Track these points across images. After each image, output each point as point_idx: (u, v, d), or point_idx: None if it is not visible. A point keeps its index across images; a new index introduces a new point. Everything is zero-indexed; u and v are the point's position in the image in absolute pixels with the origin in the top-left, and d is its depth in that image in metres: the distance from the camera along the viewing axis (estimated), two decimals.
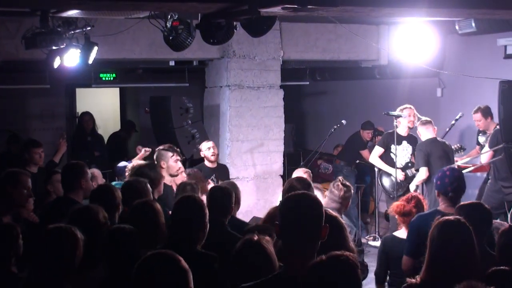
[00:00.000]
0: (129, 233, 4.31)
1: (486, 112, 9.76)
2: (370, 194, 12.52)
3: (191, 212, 4.56)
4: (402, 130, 9.93)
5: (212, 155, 9.02)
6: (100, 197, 5.50)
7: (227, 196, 5.74)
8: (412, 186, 9.46)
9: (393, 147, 9.91)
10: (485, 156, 9.22)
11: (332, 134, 10.78)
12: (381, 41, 11.29)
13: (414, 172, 9.72)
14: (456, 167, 9.39)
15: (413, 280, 4.08)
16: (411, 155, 9.93)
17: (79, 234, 4.12)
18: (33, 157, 8.60)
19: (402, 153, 9.96)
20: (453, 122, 10.36)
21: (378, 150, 10.23)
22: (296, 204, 3.47)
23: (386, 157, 10.07)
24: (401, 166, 9.93)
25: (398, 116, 9.70)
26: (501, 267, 4.17)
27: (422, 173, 9.16)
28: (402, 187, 9.83)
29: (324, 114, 14.91)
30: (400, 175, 9.82)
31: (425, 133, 9.40)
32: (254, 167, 10.55)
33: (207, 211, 4.66)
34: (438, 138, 9.51)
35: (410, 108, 9.83)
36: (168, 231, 4.70)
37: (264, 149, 10.62)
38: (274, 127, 10.71)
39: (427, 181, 9.19)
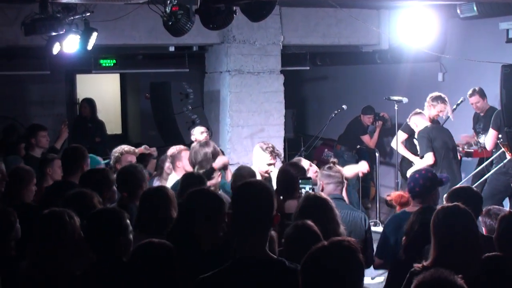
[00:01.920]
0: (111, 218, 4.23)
1: (482, 93, 9.75)
2: (371, 179, 12.49)
3: (197, 204, 4.42)
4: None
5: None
6: (90, 180, 5.49)
7: None
8: (409, 173, 9.25)
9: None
10: (490, 139, 9.10)
11: (333, 119, 10.76)
12: (382, 26, 11.24)
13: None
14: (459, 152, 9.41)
15: (420, 265, 4.12)
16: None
17: (75, 217, 4.12)
18: (40, 140, 8.67)
19: None
20: (454, 106, 10.31)
21: (401, 135, 9.93)
22: (247, 194, 3.53)
23: (410, 144, 9.93)
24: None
25: (398, 101, 9.65)
26: (495, 253, 4.19)
27: (428, 159, 8.99)
28: None
29: (324, 99, 14.88)
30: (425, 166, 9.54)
31: (422, 122, 9.30)
32: None
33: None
34: (438, 125, 9.47)
35: (443, 103, 9.35)
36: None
37: (264, 135, 10.59)
38: (274, 112, 10.69)
39: (432, 166, 9.07)
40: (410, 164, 9.86)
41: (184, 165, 7.11)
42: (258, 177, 6.82)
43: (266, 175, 7.28)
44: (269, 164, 7.28)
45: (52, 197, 5.76)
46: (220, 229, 4.18)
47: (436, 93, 9.40)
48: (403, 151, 10.00)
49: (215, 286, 3.42)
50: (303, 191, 4.96)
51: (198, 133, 8.92)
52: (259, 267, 3.37)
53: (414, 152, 9.65)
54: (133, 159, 7.29)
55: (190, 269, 3.68)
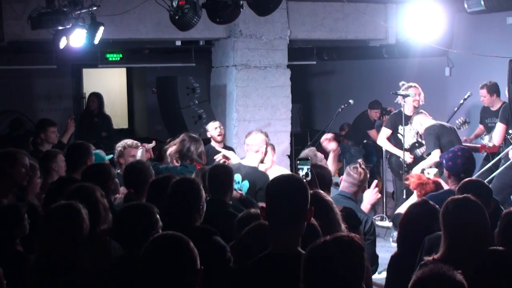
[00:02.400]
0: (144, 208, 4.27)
1: (491, 89, 9.70)
2: (377, 174, 12.48)
3: (187, 194, 4.56)
4: (408, 109, 9.79)
5: (218, 135, 8.95)
6: (91, 174, 5.50)
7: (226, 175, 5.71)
8: (417, 169, 9.25)
9: (400, 127, 9.85)
10: (498, 134, 9.02)
11: (340, 114, 10.74)
12: (389, 20, 11.21)
13: (423, 151, 9.66)
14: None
15: (430, 258, 4.12)
16: (416, 133, 9.85)
17: (82, 209, 4.12)
18: (50, 136, 8.68)
19: (409, 133, 9.89)
20: (461, 101, 10.30)
21: (385, 131, 10.12)
22: (283, 187, 3.53)
23: (395, 138, 10.01)
24: (408, 147, 9.87)
25: (405, 96, 9.63)
26: (497, 248, 4.17)
27: (436, 155, 8.98)
28: (411, 168, 9.78)
29: (331, 93, 14.86)
30: (408, 158, 9.77)
31: (426, 120, 9.31)
32: None
33: (203, 193, 4.64)
34: (443, 122, 9.46)
35: (415, 87, 9.72)
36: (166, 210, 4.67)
37: (271, 129, 10.57)
38: (281, 107, 10.68)
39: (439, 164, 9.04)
40: (398, 159, 9.95)
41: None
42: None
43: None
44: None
45: (56, 193, 5.77)
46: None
47: (404, 84, 9.68)
48: (388, 147, 10.11)
49: (246, 280, 3.43)
50: (302, 172, 4.91)
51: (212, 129, 8.94)
52: (290, 264, 3.33)
53: (399, 148, 9.84)
54: (135, 153, 7.28)
55: None
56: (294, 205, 3.47)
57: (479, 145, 9.96)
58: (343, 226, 4.38)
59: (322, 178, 5.43)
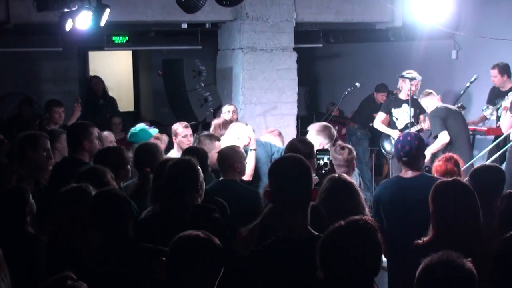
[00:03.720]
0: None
1: (503, 70, 9.68)
2: (383, 157, 12.47)
3: (185, 174, 4.57)
4: (403, 94, 10.08)
5: (231, 119, 8.90)
6: (105, 158, 5.50)
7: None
8: (427, 154, 9.22)
9: (393, 110, 10.15)
10: (507, 122, 8.89)
11: (346, 97, 10.73)
12: (395, 2, 11.14)
13: (416, 130, 9.73)
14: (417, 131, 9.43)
15: (420, 242, 4.13)
16: (412, 117, 9.89)
17: (92, 190, 4.13)
18: (53, 116, 8.72)
19: (402, 115, 10.07)
20: (468, 84, 10.28)
21: (381, 116, 10.38)
22: (288, 168, 3.53)
23: (389, 121, 10.25)
24: (401, 128, 9.97)
25: (412, 79, 9.62)
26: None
27: (444, 137, 8.93)
28: None
29: (337, 76, 14.82)
30: (395, 135, 9.85)
31: (432, 103, 9.30)
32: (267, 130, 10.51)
33: (200, 172, 4.64)
34: (449, 105, 9.44)
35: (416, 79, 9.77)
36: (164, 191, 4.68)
37: (277, 112, 10.58)
38: (287, 90, 10.66)
39: (448, 145, 9.01)
40: (388, 138, 10.33)
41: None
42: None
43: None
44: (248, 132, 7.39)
45: (61, 174, 5.79)
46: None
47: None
48: (383, 128, 10.35)
49: (258, 264, 3.44)
50: (322, 162, 4.94)
51: (226, 111, 8.96)
52: (302, 246, 3.36)
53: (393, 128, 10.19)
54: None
55: None
56: (302, 185, 3.47)
57: (486, 129, 9.95)
58: (367, 209, 4.38)
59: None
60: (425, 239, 4.10)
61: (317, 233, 3.45)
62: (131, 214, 4.10)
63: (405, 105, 9.97)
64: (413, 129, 9.74)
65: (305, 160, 3.65)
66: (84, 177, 4.62)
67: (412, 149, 5.37)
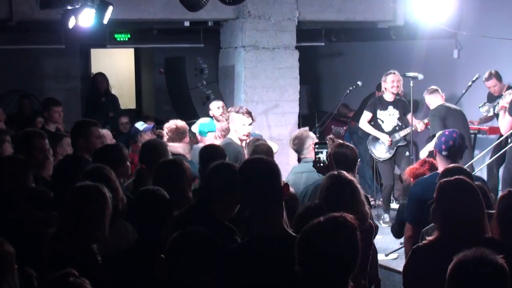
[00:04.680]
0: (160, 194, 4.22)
1: (499, 76, 9.71)
2: None
3: (172, 174, 4.58)
4: (388, 95, 9.92)
5: (220, 115, 8.92)
6: (104, 156, 5.52)
7: None
8: (423, 153, 9.25)
9: (378, 112, 9.98)
10: (506, 124, 8.83)
11: (348, 96, 10.73)
12: (397, 1, 11.16)
13: (402, 135, 9.73)
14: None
15: (426, 241, 4.11)
16: (398, 119, 9.88)
17: (106, 191, 4.14)
18: (52, 115, 8.71)
19: (388, 118, 9.93)
20: (469, 83, 10.28)
21: (366, 115, 10.12)
22: (253, 170, 3.55)
23: (375, 123, 10.05)
24: (388, 131, 9.89)
25: (414, 78, 9.62)
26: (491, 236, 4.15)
27: None
28: (389, 151, 9.86)
29: (339, 75, 14.82)
30: (386, 140, 9.80)
31: (435, 101, 9.31)
32: (268, 128, 10.53)
33: (188, 171, 4.70)
34: (450, 104, 9.44)
35: (394, 73, 9.72)
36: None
37: (279, 111, 10.60)
38: (289, 88, 10.68)
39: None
40: (376, 141, 10.08)
41: None
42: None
43: (246, 138, 7.45)
44: (249, 124, 7.53)
45: (63, 171, 5.82)
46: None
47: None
48: (370, 130, 10.10)
49: (235, 261, 3.43)
50: (321, 156, 4.93)
51: (215, 108, 8.94)
52: (277, 244, 3.36)
53: (379, 130, 9.96)
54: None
55: None
56: (267, 183, 3.48)
57: (487, 128, 9.97)
58: (367, 206, 4.38)
59: (344, 158, 5.40)
60: (430, 238, 4.08)
61: (290, 231, 3.48)
62: (169, 214, 4.12)
63: (390, 107, 9.90)
64: (402, 133, 9.76)
65: (271, 160, 3.72)
66: (89, 175, 4.63)
67: (455, 145, 5.74)
